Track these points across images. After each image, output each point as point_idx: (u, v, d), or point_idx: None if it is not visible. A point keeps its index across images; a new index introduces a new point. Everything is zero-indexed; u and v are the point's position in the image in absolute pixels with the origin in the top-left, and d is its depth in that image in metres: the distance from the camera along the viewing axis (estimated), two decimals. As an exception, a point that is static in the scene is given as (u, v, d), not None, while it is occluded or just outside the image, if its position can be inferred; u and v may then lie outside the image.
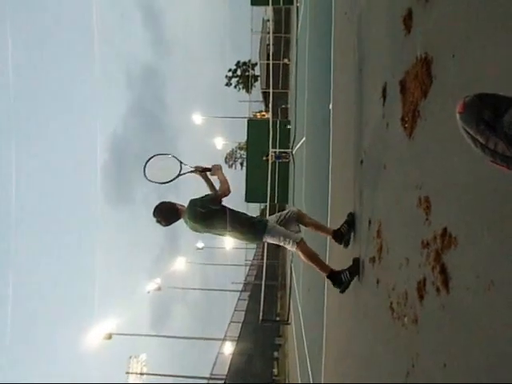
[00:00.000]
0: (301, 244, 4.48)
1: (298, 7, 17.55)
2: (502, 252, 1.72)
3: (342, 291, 4.37)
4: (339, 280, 4.36)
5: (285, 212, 4.86)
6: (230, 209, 4.57)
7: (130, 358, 34.93)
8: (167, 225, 4.63)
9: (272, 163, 20.54)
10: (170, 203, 4.63)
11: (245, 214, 4.68)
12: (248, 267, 40.81)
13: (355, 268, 4.28)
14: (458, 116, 1.10)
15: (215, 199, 4.54)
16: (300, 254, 4.52)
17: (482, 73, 1.98)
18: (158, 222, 4.58)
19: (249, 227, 4.56)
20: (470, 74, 2.09)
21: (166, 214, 4.61)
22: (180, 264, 39.26)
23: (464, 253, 2.01)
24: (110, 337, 26.51)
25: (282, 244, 4.57)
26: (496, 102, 1.06)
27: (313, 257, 4.57)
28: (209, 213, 4.48)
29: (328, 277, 4.46)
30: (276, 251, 33.23)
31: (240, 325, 26.52)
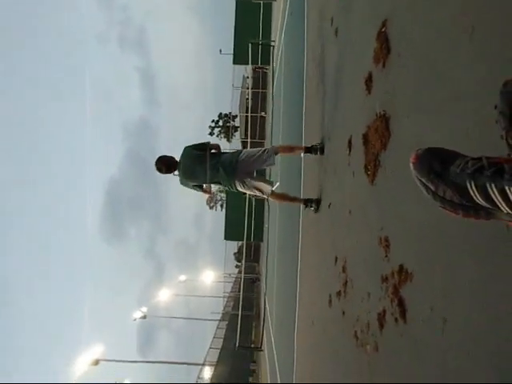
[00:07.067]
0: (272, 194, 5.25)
1: (273, 67, 18.22)
2: (452, 290, 1.73)
3: (316, 210, 5.08)
4: (310, 204, 5.17)
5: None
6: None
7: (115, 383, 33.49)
8: (167, 172, 5.04)
9: (249, 207, 20.43)
10: (170, 156, 5.08)
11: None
12: (226, 299, 39.99)
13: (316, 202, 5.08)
14: (411, 166, 1.12)
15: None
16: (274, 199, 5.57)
17: (433, 130, 2.04)
18: (158, 169, 5.00)
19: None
20: (422, 131, 2.15)
21: (166, 163, 5.01)
22: (164, 295, 38.38)
23: (419, 287, 2.02)
24: (96, 363, 25.34)
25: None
26: (444, 155, 1.09)
27: (284, 197, 6.03)
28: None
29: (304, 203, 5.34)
30: (252, 286, 32.86)
31: (218, 351, 25.73)
